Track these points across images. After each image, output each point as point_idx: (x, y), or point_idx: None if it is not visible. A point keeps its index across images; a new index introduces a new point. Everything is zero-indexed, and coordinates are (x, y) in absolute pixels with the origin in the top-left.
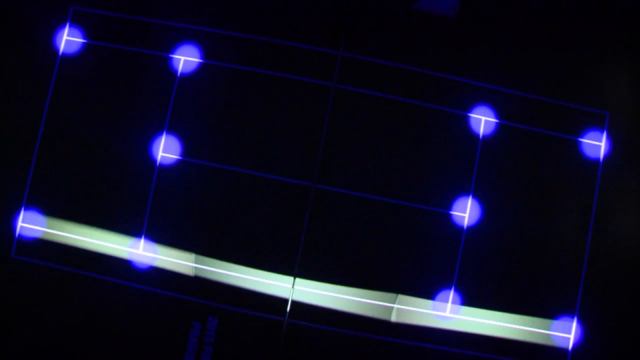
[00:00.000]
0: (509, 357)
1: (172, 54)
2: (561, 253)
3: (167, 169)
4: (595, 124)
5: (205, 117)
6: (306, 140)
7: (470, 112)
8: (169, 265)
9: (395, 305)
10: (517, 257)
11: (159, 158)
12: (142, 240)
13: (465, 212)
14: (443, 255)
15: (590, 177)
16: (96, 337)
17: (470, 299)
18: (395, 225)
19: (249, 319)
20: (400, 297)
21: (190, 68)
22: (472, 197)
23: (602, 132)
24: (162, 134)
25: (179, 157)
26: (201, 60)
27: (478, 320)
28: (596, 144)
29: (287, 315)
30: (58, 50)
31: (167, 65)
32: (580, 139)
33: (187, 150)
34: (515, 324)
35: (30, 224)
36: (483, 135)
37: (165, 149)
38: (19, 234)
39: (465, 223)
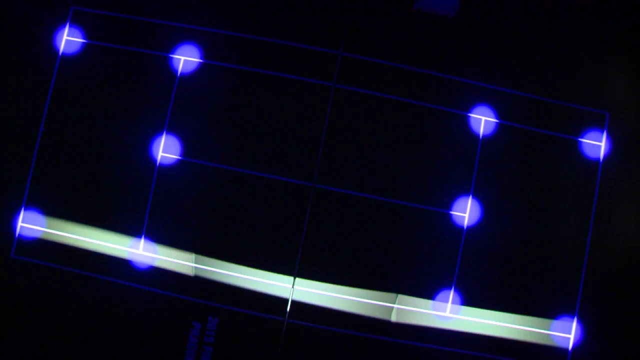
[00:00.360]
0: (509, 357)
1: (172, 54)
2: (561, 253)
3: (167, 169)
4: (595, 124)
5: (205, 117)
6: (306, 140)
7: (470, 112)
8: (169, 265)
9: (395, 305)
10: (517, 257)
11: (159, 158)
12: (142, 240)
13: (465, 212)
14: (443, 255)
15: (590, 177)
16: (96, 337)
17: (470, 299)
18: (395, 225)
19: (249, 319)
20: (400, 297)
21: (190, 68)
22: (472, 197)
23: (602, 132)
24: (162, 134)
25: (179, 157)
26: (201, 60)
27: (478, 320)
28: (596, 144)
29: (287, 315)
30: (58, 50)
31: (167, 65)
32: (580, 139)
33: (187, 150)
34: (515, 324)
35: (30, 224)
36: (483, 135)
37: (165, 149)
38: (19, 234)
39: (465, 223)
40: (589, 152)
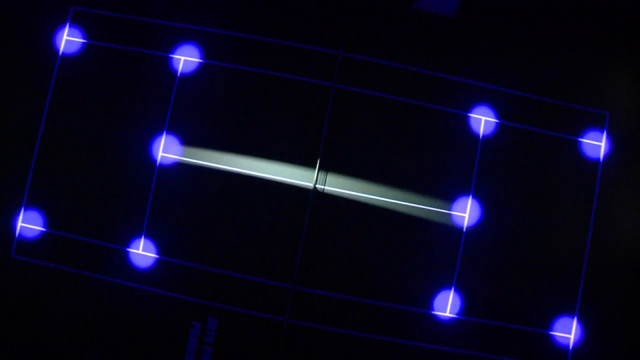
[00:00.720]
0: (509, 357)
1: (172, 54)
2: (561, 253)
3: (167, 169)
4: (595, 124)
5: (205, 117)
6: (306, 140)
7: (470, 112)
8: (169, 265)
9: (395, 305)
10: (517, 257)
11: (159, 158)
12: (142, 240)
13: (465, 212)
14: (443, 255)
15: (590, 177)
16: (96, 337)
17: (470, 299)
18: (395, 225)
19: (249, 319)
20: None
21: (190, 68)
22: (472, 197)
23: (602, 132)
24: (162, 134)
25: (179, 157)
26: (201, 60)
27: (478, 320)
28: (596, 144)
29: (287, 315)
30: (58, 50)
31: (167, 65)
32: (580, 139)
33: (187, 150)
34: (515, 324)
35: (30, 224)
36: (483, 135)
37: (165, 149)
38: (19, 234)
39: (465, 223)
40: (589, 152)
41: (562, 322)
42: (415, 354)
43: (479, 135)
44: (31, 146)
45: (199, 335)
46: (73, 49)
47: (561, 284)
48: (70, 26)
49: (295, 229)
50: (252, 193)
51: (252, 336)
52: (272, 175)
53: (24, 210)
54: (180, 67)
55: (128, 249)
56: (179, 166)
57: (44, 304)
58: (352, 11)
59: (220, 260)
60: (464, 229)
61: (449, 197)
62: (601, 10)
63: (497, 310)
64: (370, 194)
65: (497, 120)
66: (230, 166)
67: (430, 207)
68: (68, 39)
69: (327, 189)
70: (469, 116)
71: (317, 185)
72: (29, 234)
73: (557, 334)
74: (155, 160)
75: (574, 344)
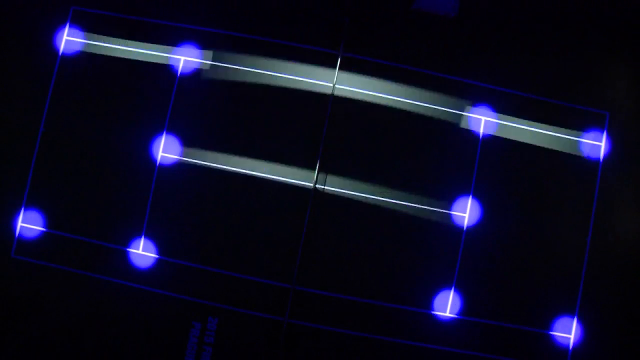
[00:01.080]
0: (509, 357)
1: (172, 54)
2: (561, 253)
3: (167, 169)
4: (595, 124)
5: (205, 117)
6: (306, 140)
7: (470, 112)
8: (169, 265)
9: (395, 305)
10: (517, 257)
11: (159, 158)
12: (142, 240)
13: (465, 212)
14: (443, 255)
15: (590, 177)
16: (96, 337)
17: (470, 299)
18: (395, 225)
19: (249, 319)
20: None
21: (190, 68)
22: (472, 197)
23: (602, 132)
24: (162, 134)
25: (179, 157)
26: (201, 60)
27: (478, 320)
28: (596, 144)
29: (287, 315)
30: (58, 50)
31: (167, 65)
32: (580, 139)
33: (187, 150)
34: (515, 324)
35: (30, 224)
36: (483, 135)
37: (165, 149)
38: (19, 234)
39: (465, 223)
40: (589, 152)
41: (562, 322)
42: (415, 354)
43: (479, 135)
44: (31, 146)
45: (199, 335)
46: (73, 49)
47: (561, 284)
48: (70, 26)
49: (295, 229)
50: (252, 193)
51: (252, 336)
52: (272, 175)
53: (24, 210)
54: (180, 67)
55: (128, 249)
56: (179, 166)
57: (44, 304)
58: (352, 11)
59: (220, 260)
60: (464, 229)
61: (449, 197)
62: (601, 11)
63: (497, 310)
64: (370, 194)
65: (497, 120)
66: (230, 166)
67: (430, 207)
68: (68, 39)
69: (327, 189)
70: (469, 116)
71: (317, 185)
72: (29, 234)
73: (557, 334)
74: (155, 160)
75: (574, 344)
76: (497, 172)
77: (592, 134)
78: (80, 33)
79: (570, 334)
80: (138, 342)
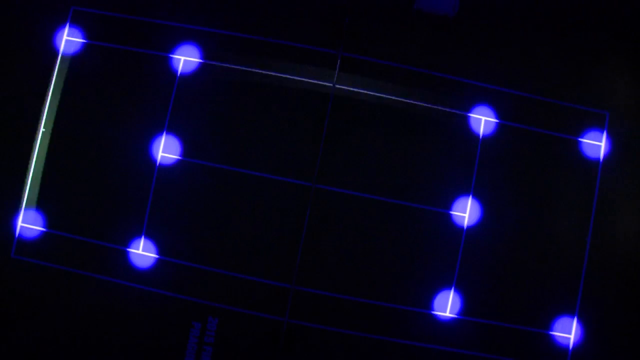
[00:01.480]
0: (509, 357)
1: (172, 54)
2: (561, 253)
3: (167, 169)
4: (595, 124)
5: (205, 117)
6: (306, 140)
7: (470, 112)
8: (169, 265)
9: (395, 305)
10: (517, 257)
11: (159, 158)
12: (142, 240)
13: (465, 212)
14: (443, 255)
15: (590, 177)
16: (96, 337)
17: (470, 299)
18: (394, 225)
19: (249, 319)
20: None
21: (190, 68)
22: (472, 197)
23: (602, 132)
24: (162, 134)
25: (179, 157)
26: (201, 60)
27: (478, 320)
28: (596, 144)
29: (287, 315)
30: (58, 50)
31: (167, 65)
32: (580, 139)
33: (187, 150)
34: (515, 324)
35: (30, 224)
36: (483, 135)
37: (165, 149)
38: (19, 234)
39: (465, 223)
40: (589, 152)
41: (562, 322)
42: (415, 354)
43: (479, 135)
44: (31, 146)
45: (199, 335)
46: (73, 49)
47: (561, 284)
48: (70, 26)
49: (295, 229)
50: (252, 193)
51: (252, 336)
52: (272, 174)
53: (24, 210)
54: (180, 67)
55: (128, 249)
56: (179, 166)
57: (44, 304)
58: (352, 11)
59: (220, 260)
60: (464, 229)
61: (449, 197)
62: (601, 11)
63: (497, 310)
64: (370, 194)
65: (497, 120)
66: (230, 166)
67: (430, 207)
68: (68, 39)
69: (327, 189)
70: (469, 116)
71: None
72: (29, 234)
73: (557, 334)
74: (155, 160)
75: (574, 344)
76: (497, 172)
77: (592, 134)
78: (80, 33)
79: (570, 334)
80: (138, 342)
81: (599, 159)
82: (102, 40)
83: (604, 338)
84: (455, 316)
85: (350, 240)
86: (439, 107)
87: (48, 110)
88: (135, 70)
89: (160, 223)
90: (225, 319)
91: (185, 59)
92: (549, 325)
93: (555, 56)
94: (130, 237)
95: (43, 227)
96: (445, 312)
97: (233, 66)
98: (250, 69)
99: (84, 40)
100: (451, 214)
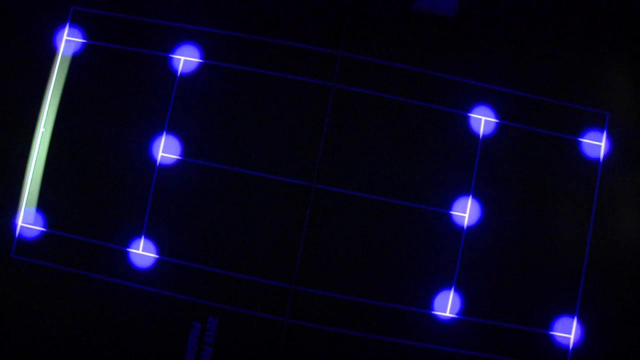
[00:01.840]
0: (509, 357)
1: (172, 54)
2: (561, 253)
3: (167, 169)
4: (595, 124)
5: (205, 117)
6: (306, 140)
7: (470, 112)
8: (169, 265)
9: (395, 305)
10: (517, 256)
11: (159, 158)
12: (142, 240)
13: (465, 212)
14: (443, 255)
15: (590, 177)
16: (96, 337)
17: (470, 299)
18: (395, 225)
19: (249, 319)
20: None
21: (190, 68)
22: (472, 197)
23: (602, 132)
24: (162, 134)
25: (179, 157)
26: (201, 60)
27: (478, 320)
28: (596, 144)
29: (287, 315)
30: (58, 50)
31: (167, 65)
32: (580, 139)
33: (187, 150)
34: (515, 324)
35: (30, 224)
36: (483, 135)
37: (165, 149)
38: (19, 234)
39: (465, 223)
40: (589, 152)
41: (562, 322)
42: (415, 354)
43: (479, 135)
44: (31, 146)
45: (199, 335)
46: (73, 49)
47: (561, 284)
48: (70, 26)
49: (295, 229)
50: (252, 192)
51: (252, 336)
52: (272, 174)
53: (24, 210)
54: (180, 67)
55: (128, 249)
56: (179, 166)
57: (44, 304)
58: (352, 11)
59: (220, 260)
60: (464, 229)
61: (449, 197)
62: (601, 11)
63: (497, 310)
64: (370, 194)
65: (497, 120)
66: (230, 165)
67: (430, 207)
68: (68, 39)
69: (327, 189)
70: (469, 116)
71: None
72: (29, 234)
73: (557, 334)
74: (155, 160)
75: (574, 344)
76: (497, 172)
77: (592, 134)
78: (80, 33)
79: (570, 334)
80: (138, 342)
81: (599, 159)
82: (102, 40)
83: (604, 338)
84: (455, 316)
85: (350, 240)
86: (439, 107)
87: (48, 110)
88: (135, 70)
89: (161, 223)
90: (225, 319)
91: (185, 59)
92: (549, 325)
93: (555, 56)
94: (130, 237)
95: (43, 227)
96: (445, 312)
97: (233, 66)
98: (250, 69)
99: (84, 40)
100: (451, 214)
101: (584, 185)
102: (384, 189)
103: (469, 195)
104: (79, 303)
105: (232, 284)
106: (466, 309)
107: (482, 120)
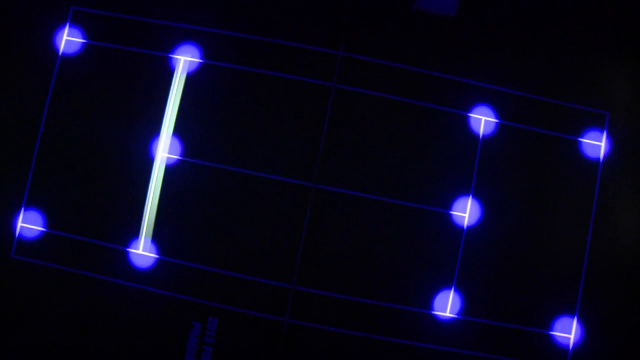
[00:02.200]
0: (509, 357)
1: (172, 54)
2: (561, 253)
3: (167, 169)
4: (595, 124)
5: (206, 117)
6: (306, 140)
7: (470, 112)
8: (169, 265)
9: (395, 305)
10: (517, 257)
11: (159, 158)
12: (142, 240)
13: (465, 212)
14: (443, 255)
15: (590, 177)
16: (96, 337)
17: (470, 299)
18: (394, 225)
19: (249, 319)
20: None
21: (190, 68)
22: (472, 197)
23: (602, 132)
24: (162, 134)
25: (179, 157)
26: (201, 60)
27: (478, 320)
28: (596, 144)
29: (287, 315)
30: (58, 50)
31: (167, 65)
32: (580, 139)
33: (188, 150)
34: (515, 324)
35: (30, 224)
36: (483, 135)
37: (166, 149)
38: (19, 234)
39: (465, 223)
40: (589, 152)
41: (562, 322)
42: (415, 354)
43: (479, 135)
44: (31, 146)
45: (199, 335)
46: (73, 49)
47: (561, 284)
48: (70, 26)
49: (295, 228)
50: (251, 192)
51: (252, 336)
52: (272, 174)
53: (24, 210)
54: (180, 67)
55: (128, 249)
56: (180, 166)
57: (44, 304)
58: (352, 11)
59: (220, 260)
60: (464, 229)
61: (449, 197)
62: (601, 11)
63: (497, 310)
64: (370, 194)
65: (497, 120)
66: (230, 165)
67: (430, 207)
68: (68, 39)
69: (327, 189)
70: (469, 116)
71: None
72: (29, 234)
73: (557, 334)
74: (155, 160)
75: (574, 344)
76: (497, 172)
77: (592, 134)
78: (80, 33)
79: (570, 334)
80: (138, 342)
81: (599, 159)
82: (102, 40)
83: (604, 338)
84: (455, 316)
85: (350, 240)
86: (439, 107)
87: (48, 110)
88: (135, 70)
89: (161, 223)
90: (225, 319)
91: (185, 59)
92: (549, 325)
93: (556, 56)
94: (130, 237)
95: (43, 227)
96: (445, 312)
97: (233, 66)
98: (250, 69)
99: (83, 40)
100: (451, 214)
101: (584, 185)
102: (384, 189)
103: (469, 195)
104: (79, 303)
105: (232, 284)
106: (466, 309)
107: (482, 120)
